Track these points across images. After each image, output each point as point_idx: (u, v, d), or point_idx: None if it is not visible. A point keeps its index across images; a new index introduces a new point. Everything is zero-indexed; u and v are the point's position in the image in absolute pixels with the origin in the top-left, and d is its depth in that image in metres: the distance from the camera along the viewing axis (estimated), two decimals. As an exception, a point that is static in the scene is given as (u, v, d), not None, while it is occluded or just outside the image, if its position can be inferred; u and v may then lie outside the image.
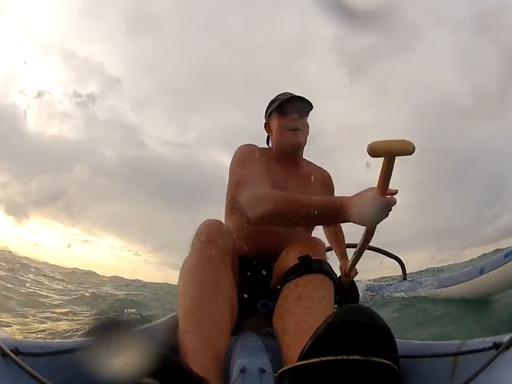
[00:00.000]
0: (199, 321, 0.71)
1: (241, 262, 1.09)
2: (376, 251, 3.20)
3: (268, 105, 1.28)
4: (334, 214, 0.86)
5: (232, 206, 1.19)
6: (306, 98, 1.19)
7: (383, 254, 3.33)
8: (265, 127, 1.30)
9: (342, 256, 1.41)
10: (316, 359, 0.55)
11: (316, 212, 0.84)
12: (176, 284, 0.85)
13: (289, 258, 0.91)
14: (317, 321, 0.73)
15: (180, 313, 0.75)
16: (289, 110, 1.17)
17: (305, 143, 1.23)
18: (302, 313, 0.77)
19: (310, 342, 0.58)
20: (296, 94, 1.20)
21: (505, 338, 0.49)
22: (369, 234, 0.91)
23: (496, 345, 0.49)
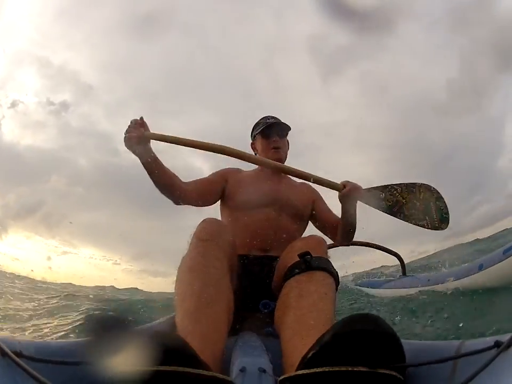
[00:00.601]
0: (197, 321, 0.71)
1: (242, 260, 1.09)
2: (373, 247, 3.19)
3: (253, 128, 1.48)
4: None
5: (226, 206, 1.32)
6: (285, 123, 1.41)
7: (381, 250, 3.31)
8: (251, 147, 1.49)
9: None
10: (318, 369, 0.54)
11: None
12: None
13: (291, 256, 0.90)
14: (319, 317, 0.73)
15: (177, 313, 0.75)
16: (270, 133, 1.38)
17: (285, 159, 1.42)
18: (304, 309, 0.76)
19: (313, 351, 0.57)
20: (275, 120, 1.41)
21: (505, 338, 0.49)
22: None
23: (496, 345, 0.49)
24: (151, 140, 1.15)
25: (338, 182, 1.21)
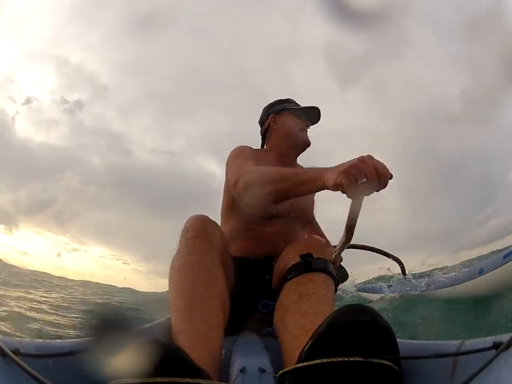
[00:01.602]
0: (191, 320, 0.71)
1: (242, 263, 1.09)
2: (374, 251, 3.17)
3: (278, 102, 1.32)
4: (317, 182, 0.77)
5: (230, 208, 1.21)
6: (320, 113, 1.29)
7: (382, 254, 3.30)
8: (270, 120, 1.30)
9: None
10: (316, 361, 0.55)
11: (298, 181, 0.81)
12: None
13: (291, 256, 0.90)
14: (318, 319, 0.73)
15: (171, 313, 0.75)
16: (308, 115, 1.27)
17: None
18: (303, 311, 0.76)
19: (310, 342, 0.58)
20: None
21: (505, 338, 0.49)
22: (355, 205, 0.81)
23: (496, 345, 0.49)
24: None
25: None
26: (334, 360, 0.54)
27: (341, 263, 1.30)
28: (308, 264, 0.84)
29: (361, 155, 0.69)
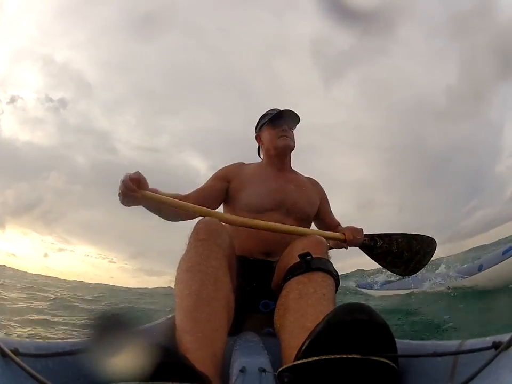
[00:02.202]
0: (197, 321, 0.71)
1: (243, 262, 1.09)
2: None
3: (259, 119, 1.43)
4: None
5: (229, 208, 1.29)
6: (295, 112, 1.34)
7: None
8: (256, 139, 1.46)
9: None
10: (315, 358, 0.55)
11: None
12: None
13: (291, 256, 0.90)
14: (318, 319, 0.72)
15: (177, 313, 0.75)
16: (280, 122, 1.33)
17: (292, 150, 1.37)
18: (303, 311, 0.77)
19: (308, 340, 0.58)
20: (287, 109, 1.35)
21: (505, 338, 0.48)
22: None
23: (496, 345, 0.48)
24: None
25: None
26: (332, 357, 0.54)
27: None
28: (307, 264, 0.84)
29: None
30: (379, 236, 1.34)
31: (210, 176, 1.34)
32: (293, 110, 1.34)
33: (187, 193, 1.25)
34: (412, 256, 1.34)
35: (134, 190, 0.99)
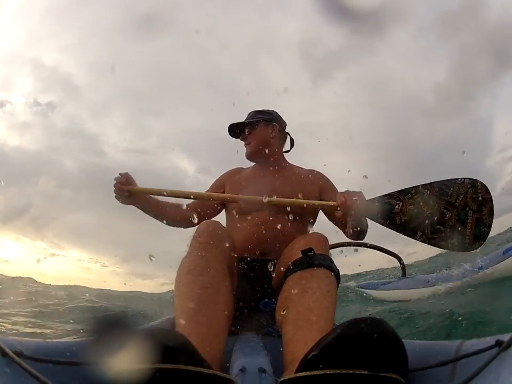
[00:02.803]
0: (197, 324, 0.71)
1: (241, 262, 1.09)
2: (373, 248, 3.16)
3: None
4: None
5: (228, 213, 1.30)
6: (239, 122, 1.39)
7: (381, 251, 3.29)
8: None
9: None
10: (319, 371, 0.53)
11: None
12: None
13: (293, 252, 0.90)
14: (322, 314, 0.73)
15: (177, 314, 0.74)
16: (235, 136, 1.41)
17: (259, 146, 1.34)
18: (307, 305, 0.76)
19: (313, 353, 0.56)
20: (236, 122, 1.40)
21: (505, 338, 0.48)
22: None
23: (496, 345, 0.49)
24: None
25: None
26: (338, 372, 0.52)
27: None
28: (310, 259, 0.84)
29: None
30: (392, 195, 1.02)
31: (200, 183, 1.43)
32: (235, 123, 1.40)
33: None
34: (460, 214, 0.91)
35: (123, 189, 1.14)
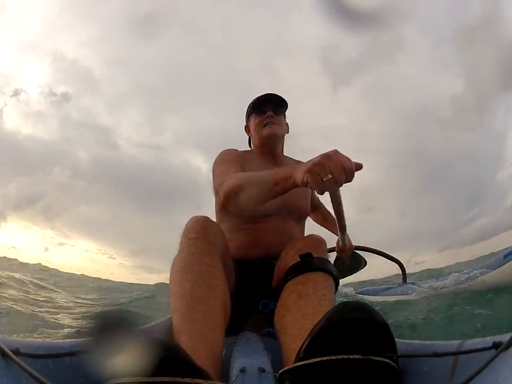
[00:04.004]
0: (193, 321, 0.70)
1: (242, 265, 1.08)
2: (374, 253, 3.15)
3: (247, 109, 1.34)
4: (289, 181, 0.78)
5: (222, 210, 1.22)
6: (279, 95, 1.25)
7: (382, 255, 3.28)
8: (245, 130, 1.38)
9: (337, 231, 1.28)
10: (316, 359, 0.55)
11: (273, 181, 0.82)
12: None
13: (291, 256, 0.90)
14: (317, 320, 0.73)
15: (172, 313, 0.74)
16: (264, 108, 1.24)
17: (282, 137, 1.29)
18: (303, 311, 0.76)
19: (308, 339, 0.58)
20: (272, 93, 1.26)
21: (505, 338, 0.49)
22: (334, 196, 0.83)
23: (496, 345, 0.49)
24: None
25: None
26: (334, 358, 0.54)
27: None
28: (307, 264, 0.84)
29: (327, 151, 0.69)
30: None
31: (216, 166, 1.17)
32: (278, 95, 1.26)
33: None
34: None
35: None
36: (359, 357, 0.54)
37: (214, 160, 1.21)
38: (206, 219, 0.91)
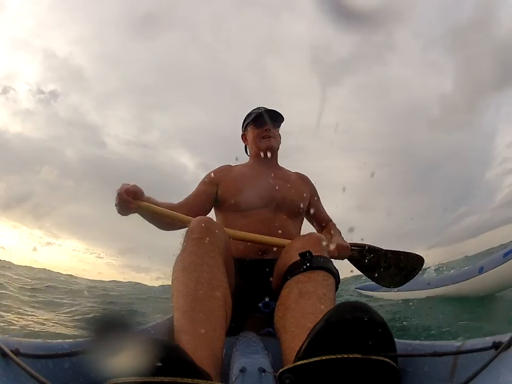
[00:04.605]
0: (194, 321, 0.70)
1: (241, 264, 1.09)
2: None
3: (245, 118, 1.47)
4: None
5: (219, 210, 1.32)
6: (278, 112, 1.38)
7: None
8: (242, 138, 1.50)
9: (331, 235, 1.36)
10: (316, 358, 0.55)
11: None
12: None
13: (291, 255, 0.90)
14: (317, 319, 0.72)
15: (174, 313, 0.74)
16: (263, 122, 1.36)
17: (277, 149, 1.41)
18: (303, 311, 0.76)
19: (308, 339, 0.58)
20: (270, 108, 1.39)
21: (505, 338, 0.48)
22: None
23: (496, 345, 0.49)
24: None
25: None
26: (333, 357, 0.54)
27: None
28: (307, 263, 0.83)
29: None
30: (369, 249, 1.37)
31: (200, 179, 1.38)
32: (276, 110, 1.38)
33: (180, 201, 1.29)
34: (398, 271, 1.41)
35: (129, 202, 1.06)
36: (359, 356, 0.54)
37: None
38: (209, 220, 0.93)
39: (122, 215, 1.10)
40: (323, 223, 1.43)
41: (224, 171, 1.39)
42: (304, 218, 1.40)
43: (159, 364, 0.51)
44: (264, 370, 0.59)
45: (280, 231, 1.16)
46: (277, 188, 1.27)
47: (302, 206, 1.33)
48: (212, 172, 1.39)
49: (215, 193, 1.32)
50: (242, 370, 0.58)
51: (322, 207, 1.46)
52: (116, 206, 1.08)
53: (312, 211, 1.40)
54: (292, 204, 1.29)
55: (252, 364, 0.60)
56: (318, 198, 1.46)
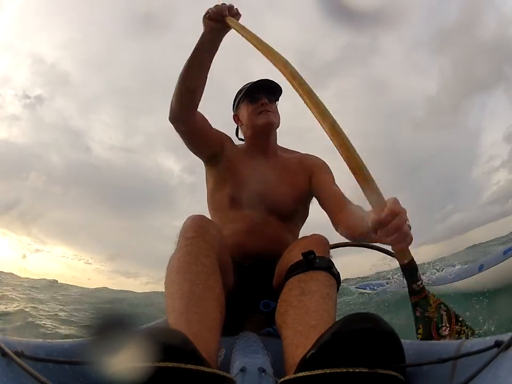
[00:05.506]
0: (188, 322, 0.69)
1: (241, 266, 1.08)
2: (373, 249, 3.13)
3: (236, 95, 1.28)
4: None
5: (214, 194, 1.21)
6: (274, 81, 1.18)
7: (382, 252, 3.27)
8: (234, 119, 1.30)
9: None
10: (319, 371, 0.53)
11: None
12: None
13: (293, 254, 0.89)
14: (322, 317, 0.72)
15: (168, 314, 0.73)
16: (258, 95, 1.17)
17: (277, 126, 1.22)
18: (306, 308, 0.75)
19: (312, 351, 0.56)
20: (265, 78, 1.19)
21: (505, 338, 0.48)
22: None
23: (496, 345, 0.48)
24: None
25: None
26: (338, 370, 0.52)
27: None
28: (310, 262, 0.83)
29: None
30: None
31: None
32: (272, 80, 1.19)
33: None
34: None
35: (225, 15, 0.98)
36: (365, 370, 0.51)
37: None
38: (203, 218, 0.90)
39: (208, 26, 1.00)
40: (338, 205, 1.08)
41: (229, 141, 1.22)
42: (304, 218, 1.28)
43: (163, 350, 0.51)
44: (264, 370, 0.59)
45: (273, 233, 1.12)
46: (269, 185, 1.15)
47: (295, 207, 1.19)
48: (219, 131, 1.21)
49: (214, 155, 1.16)
50: (243, 370, 0.58)
51: (333, 184, 1.18)
52: (205, 16, 0.99)
53: (320, 191, 1.17)
54: (284, 207, 1.17)
55: (252, 364, 0.60)
56: (328, 174, 1.21)
